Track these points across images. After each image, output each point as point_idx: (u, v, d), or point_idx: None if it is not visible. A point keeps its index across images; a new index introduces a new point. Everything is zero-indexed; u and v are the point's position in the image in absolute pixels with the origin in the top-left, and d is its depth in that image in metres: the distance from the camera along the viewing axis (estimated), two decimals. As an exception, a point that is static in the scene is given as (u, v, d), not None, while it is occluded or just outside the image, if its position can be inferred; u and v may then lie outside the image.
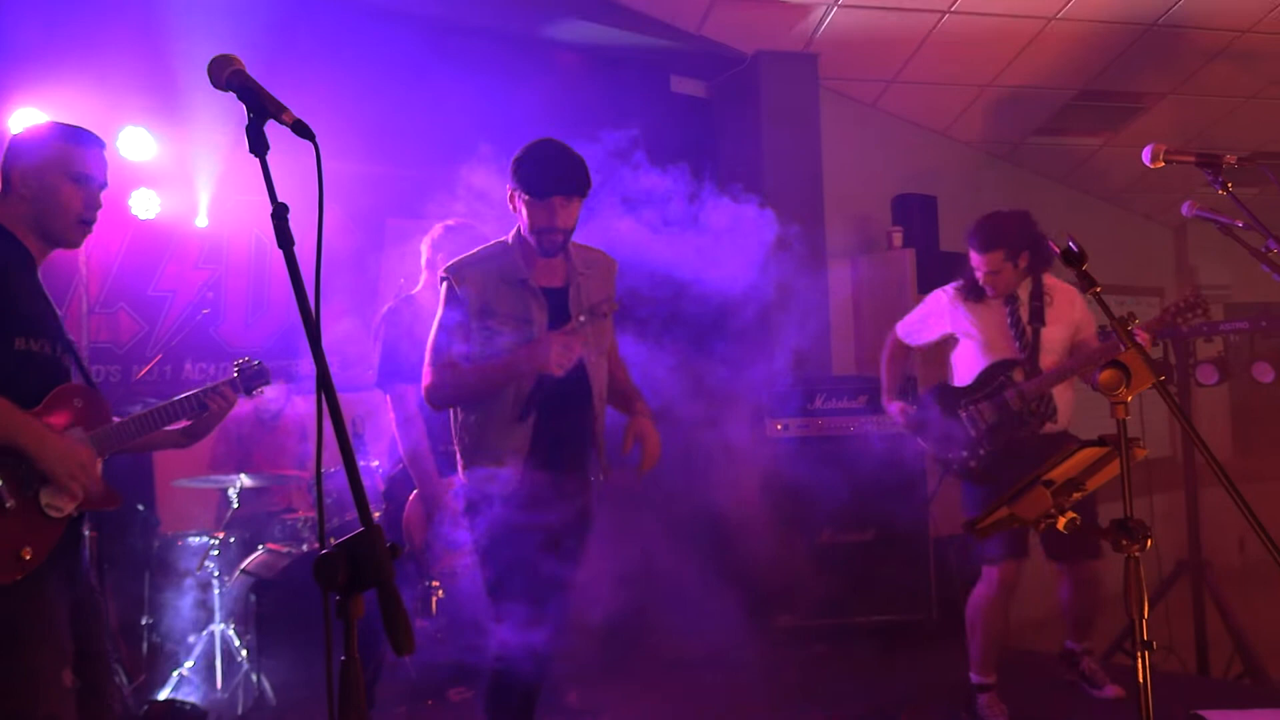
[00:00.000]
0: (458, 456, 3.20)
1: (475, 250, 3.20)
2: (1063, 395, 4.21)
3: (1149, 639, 2.01)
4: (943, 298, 4.41)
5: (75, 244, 2.70)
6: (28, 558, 2.42)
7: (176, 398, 2.86)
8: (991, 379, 4.20)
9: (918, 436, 4.41)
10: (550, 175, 3.06)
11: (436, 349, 3.11)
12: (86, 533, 2.86)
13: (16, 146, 2.64)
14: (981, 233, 4.17)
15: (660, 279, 4.14)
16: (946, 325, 4.38)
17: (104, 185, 2.69)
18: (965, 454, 4.19)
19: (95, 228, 2.70)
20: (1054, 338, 4.23)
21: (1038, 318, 4.23)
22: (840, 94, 7.01)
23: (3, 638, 2.39)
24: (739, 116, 6.63)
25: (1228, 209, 3.01)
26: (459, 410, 3.19)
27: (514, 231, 3.20)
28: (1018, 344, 4.21)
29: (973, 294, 4.29)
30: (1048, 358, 4.19)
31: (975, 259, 4.19)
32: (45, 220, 2.61)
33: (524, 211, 3.09)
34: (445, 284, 3.12)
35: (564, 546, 3.20)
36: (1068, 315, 4.28)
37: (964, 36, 6.38)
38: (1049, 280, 4.30)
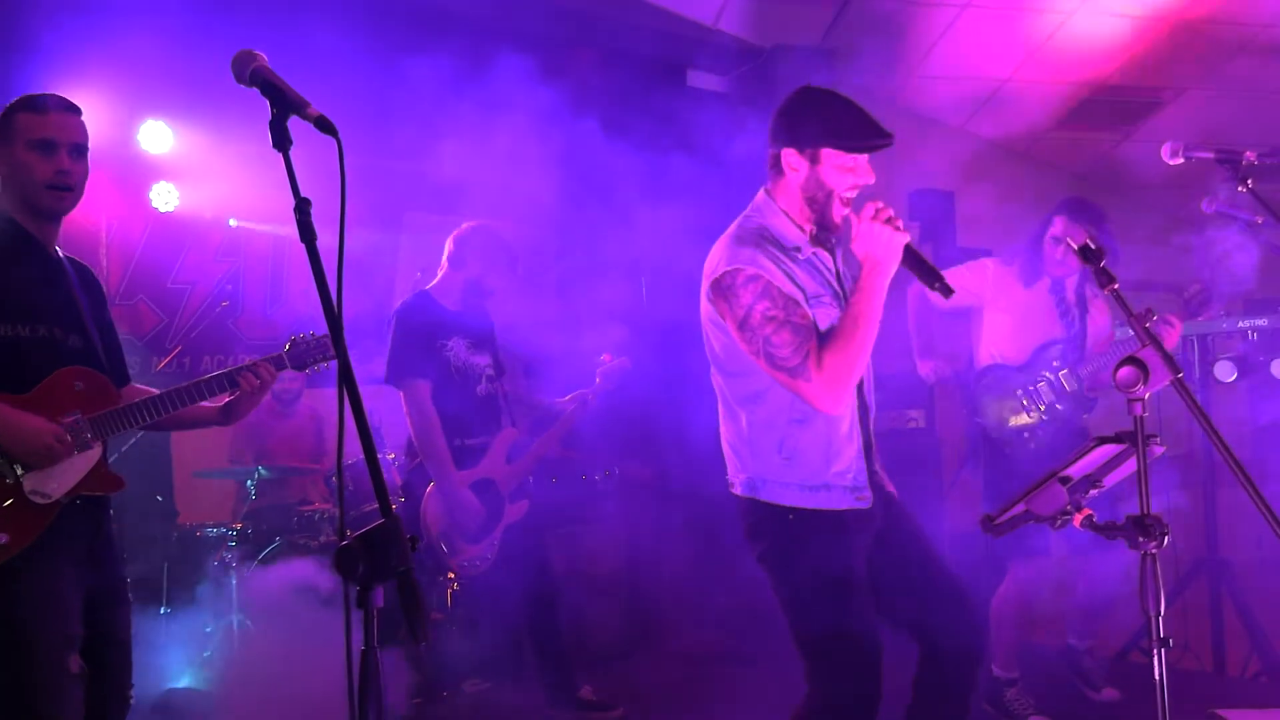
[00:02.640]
0: (752, 475, 2.65)
1: (735, 234, 2.62)
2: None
3: (1166, 636, 2.00)
4: (989, 267, 4.38)
5: (56, 210, 2.63)
6: (4, 543, 2.41)
7: (204, 377, 2.80)
8: (1046, 359, 4.24)
9: (974, 416, 4.41)
10: (869, 124, 2.54)
11: (794, 343, 2.46)
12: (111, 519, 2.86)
13: None
14: (1090, 205, 4.18)
15: (678, 271, 4.13)
16: (984, 296, 4.35)
17: (78, 147, 2.62)
18: (1025, 435, 4.22)
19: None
20: (1092, 332, 4.31)
21: (1083, 304, 4.29)
22: (857, 88, 6.98)
23: (3, 623, 2.40)
24: (756, 110, 6.61)
25: (1248, 205, 3.00)
26: (774, 428, 2.61)
27: (767, 198, 2.68)
28: (1063, 326, 4.26)
29: (1025, 276, 4.27)
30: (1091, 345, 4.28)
31: (1070, 229, 4.09)
32: (22, 193, 2.59)
33: (820, 171, 2.55)
34: (744, 280, 2.50)
35: (914, 549, 2.75)
36: (1103, 315, 4.36)
37: (982, 30, 6.35)
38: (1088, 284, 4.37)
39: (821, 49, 6.48)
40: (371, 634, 1.41)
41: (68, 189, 2.61)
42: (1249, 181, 2.82)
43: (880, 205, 2.52)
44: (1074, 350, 4.24)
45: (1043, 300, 4.29)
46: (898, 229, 2.49)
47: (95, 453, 2.62)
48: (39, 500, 2.49)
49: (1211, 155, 2.82)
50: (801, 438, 2.59)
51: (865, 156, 2.57)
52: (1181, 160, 2.86)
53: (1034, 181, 7.86)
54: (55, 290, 2.64)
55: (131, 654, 2.73)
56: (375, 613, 1.41)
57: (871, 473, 2.68)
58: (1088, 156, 8.34)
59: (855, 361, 2.48)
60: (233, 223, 5.68)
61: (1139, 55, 6.71)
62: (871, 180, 2.59)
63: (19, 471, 2.48)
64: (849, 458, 2.62)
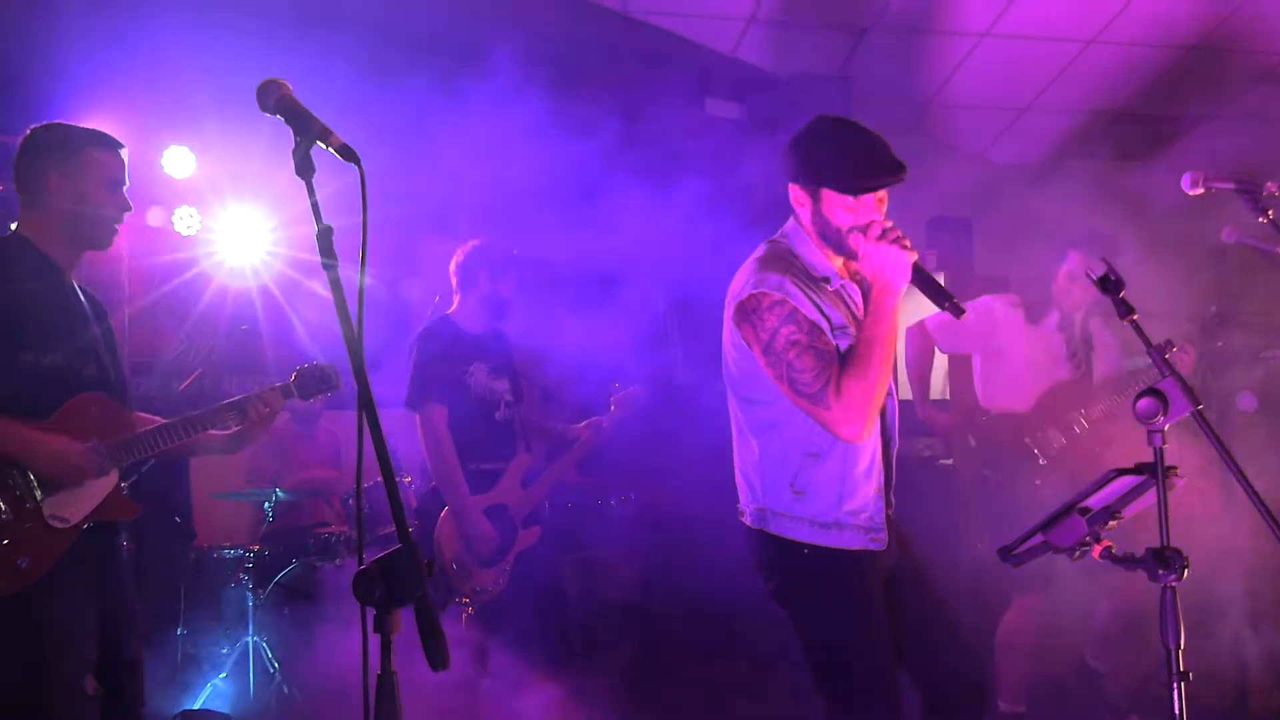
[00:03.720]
0: (762, 506, 2.59)
1: (762, 257, 2.58)
2: None
3: (1185, 670, 1.99)
4: (995, 307, 4.23)
5: (108, 246, 2.74)
6: (24, 567, 2.44)
7: (213, 406, 2.85)
8: (1053, 403, 4.14)
9: (983, 469, 4.31)
10: (875, 163, 2.48)
11: (816, 369, 2.39)
12: (125, 543, 2.89)
13: (45, 152, 2.64)
14: (1103, 237, 4.16)
15: (696, 296, 4.13)
16: (992, 338, 4.23)
17: (127, 185, 2.74)
18: (1038, 482, 4.09)
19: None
20: (1099, 371, 4.26)
21: (1088, 343, 4.24)
22: (875, 117, 6.99)
23: (22, 645, 2.42)
24: (773, 139, 6.63)
25: (1268, 235, 2.98)
26: (787, 461, 2.55)
27: (797, 224, 2.61)
28: (1070, 368, 4.19)
29: (1033, 312, 4.21)
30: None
31: (1086, 263, 3.95)
32: (80, 226, 2.65)
33: (823, 208, 2.51)
34: (769, 304, 2.45)
35: (922, 591, 2.69)
36: (1110, 353, 4.33)
37: (1000, 60, 6.36)
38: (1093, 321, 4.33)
39: (839, 77, 6.50)
40: (388, 658, 1.41)
41: (119, 224, 2.72)
42: (1270, 212, 2.81)
43: (888, 224, 2.45)
44: (1081, 393, 4.18)
45: (1049, 339, 4.20)
46: (905, 248, 2.42)
47: (112, 478, 2.65)
48: (58, 525, 2.52)
49: (1231, 185, 2.81)
50: (815, 473, 2.52)
51: (871, 196, 2.50)
52: (1202, 190, 2.85)
53: (1053, 210, 7.84)
54: (72, 319, 2.68)
55: (143, 675, 2.74)
56: (392, 637, 1.42)
57: (889, 509, 2.62)
58: (1107, 184, 8.31)
59: (873, 387, 2.40)
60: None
61: (1157, 83, 6.70)
62: (879, 217, 2.50)
63: (39, 496, 2.50)
64: (865, 496, 2.54)
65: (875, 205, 2.51)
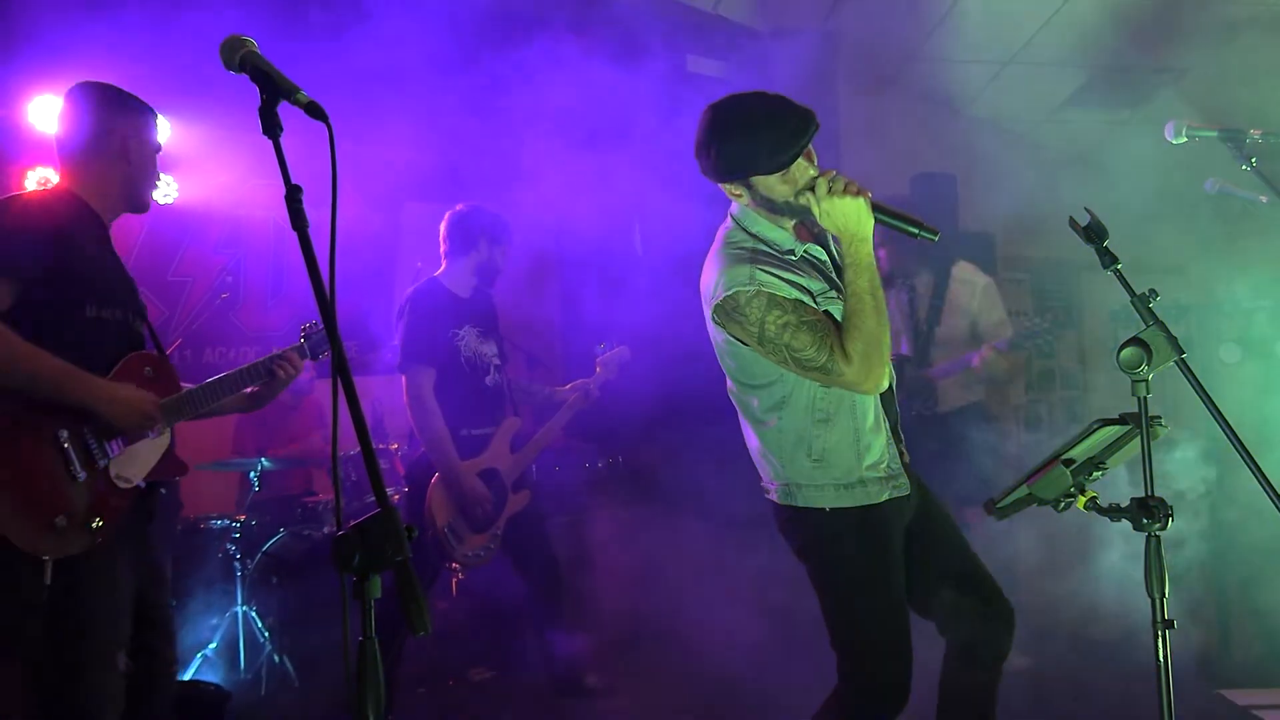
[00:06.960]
0: (786, 482, 2.62)
1: (726, 254, 2.54)
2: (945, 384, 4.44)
3: (1170, 619, 1.99)
4: None
5: (148, 209, 2.80)
6: (97, 527, 2.44)
7: (245, 365, 2.90)
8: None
9: None
10: (785, 132, 2.43)
11: (815, 341, 2.40)
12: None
13: (121, 111, 2.68)
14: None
15: (682, 260, 4.09)
16: None
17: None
18: None
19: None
20: (949, 333, 4.39)
21: (935, 316, 4.39)
22: (859, 72, 6.95)
23: (70, 613, 2.38)
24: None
25: (1251, 184, 2.97)
26: (800, 433, 2.57)
27: (742, 213, 2.59)
28: (909, 339, 4.41)
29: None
30: (941, 352, 4.39)
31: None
32: (137, 187, 2.71)
33: (760, 191, 2.50)
34: (746, 299, 2.43)
35: (945, 538, 2.72)
36: (965, 305, 4.43)
37: (985, 11, 6.31)
38: (953, 270, 4.43)
39: (822, 33, 6.44)
40: (369, 624, 1.40)
41: None
42: (1253, 160, 2.80)
43: (831, 177, 2.43)
44: (915, 364, 4.40)
45: (897, 308, 4.47)
46: (856, 193, 2.40)
47: (167, 437, 2.70)
48: (123, 485, 2.54)
49: (1215, 133, 2.80)
50: (829, 438, 2.54)
51: (808, 152, 2.49)
52: (1185, 139, 2.83)
53: (1038, 163, 7.81)
54: (123, 276, 2.70)
55: (175, 638, 2.77)
56: (374, 604, 1.41)
57: (903, 453, 2.65)
58: (1092, 136, 8.28)
59: (877, 338, 2.41)
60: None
61: (1144, 33, 6.65)
62: (815, 173, 2.48)
63: (108, 456, 2.51)
64: (880, 448, 2.57)
65: (808, 164, 2.50)
